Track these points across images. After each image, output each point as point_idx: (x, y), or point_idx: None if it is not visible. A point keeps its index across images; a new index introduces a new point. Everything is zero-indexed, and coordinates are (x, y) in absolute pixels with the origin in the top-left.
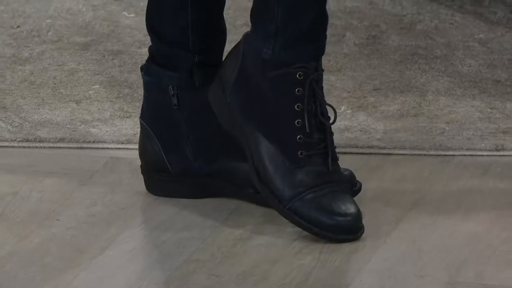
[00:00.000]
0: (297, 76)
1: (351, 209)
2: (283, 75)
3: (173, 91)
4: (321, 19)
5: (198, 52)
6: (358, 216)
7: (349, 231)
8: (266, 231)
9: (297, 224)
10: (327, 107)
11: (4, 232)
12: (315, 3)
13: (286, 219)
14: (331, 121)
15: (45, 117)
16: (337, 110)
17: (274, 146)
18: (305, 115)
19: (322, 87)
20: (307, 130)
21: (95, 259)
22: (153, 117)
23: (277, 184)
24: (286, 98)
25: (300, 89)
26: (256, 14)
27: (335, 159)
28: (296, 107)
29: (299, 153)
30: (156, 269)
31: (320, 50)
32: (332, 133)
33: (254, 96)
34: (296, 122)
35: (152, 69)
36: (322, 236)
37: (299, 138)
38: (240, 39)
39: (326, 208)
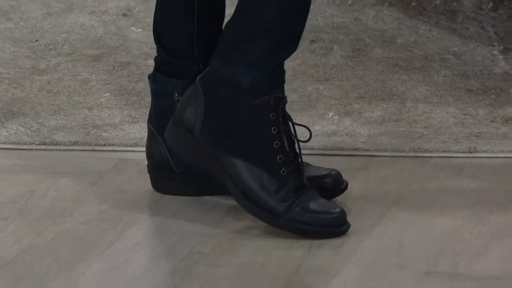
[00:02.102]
0: (271, 102)
1: (335, 207)
2: (262, 102)
3: (178, 97)
4: (295, 50)
5: (202, 61)
6: (343, 211)
7: (340, 224)
8: (261, 226)
9: (298, 229)
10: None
11: (22, 227)
12: (296, 37)
13: (286, 229)
14: (306, 139)
15: (61, 122)
16: (325, 116)
17: (258, 169)
18: (283, 137)
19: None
20: (287, 150)
21: (105, 252)
22: (160, 121)
23: (269, 202)
24: (264, 123)
25: (274, 113)
26: (236, 44)
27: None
28: (272, 130)
29: (281, 171)
30: (161, 261)
31: (284, 77)
32: (300, 149)
33: (228, 126)
34: (274, 143)
35: (158, 77)
36: (322, 233)
37: (279, 158)
38: (196, 81)
39: (315, 210)
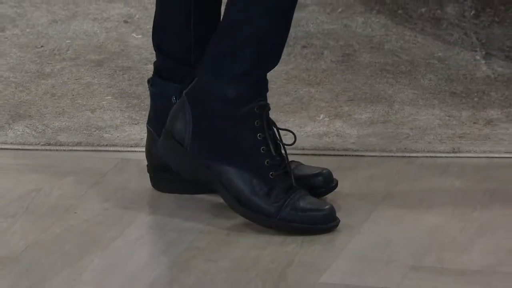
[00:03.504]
0: (255, 110)
1: (325, 204)
2: (246, 111)
3: (176, 100)
4: (277, 64)
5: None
6: (332, 208)
7: (330, 221)
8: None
9: (290, 228)
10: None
11: (29, 224)
12: (279, 51)
13: (279, 228)
14: (291, 143)
15: (65, 124)
16: (316, 118)
17: (247, 174)
18: (269, 142)
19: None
20: (273, 154)
21: (107, 248)
22: (159, 123)
23: (261, 204)
24: (250, 130)
25: (258, 120)
26: (222, 58)
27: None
28: (258, 136)
29: (270, 174)
30: (161, 255)
31: (267, 86)
32: (286, 153)
33: (217, 136)
34: (261, 149)
35: (157, 81)
36: (313, 230)
37: (267, 162)
38: (182, 96)
39: (306, 208)
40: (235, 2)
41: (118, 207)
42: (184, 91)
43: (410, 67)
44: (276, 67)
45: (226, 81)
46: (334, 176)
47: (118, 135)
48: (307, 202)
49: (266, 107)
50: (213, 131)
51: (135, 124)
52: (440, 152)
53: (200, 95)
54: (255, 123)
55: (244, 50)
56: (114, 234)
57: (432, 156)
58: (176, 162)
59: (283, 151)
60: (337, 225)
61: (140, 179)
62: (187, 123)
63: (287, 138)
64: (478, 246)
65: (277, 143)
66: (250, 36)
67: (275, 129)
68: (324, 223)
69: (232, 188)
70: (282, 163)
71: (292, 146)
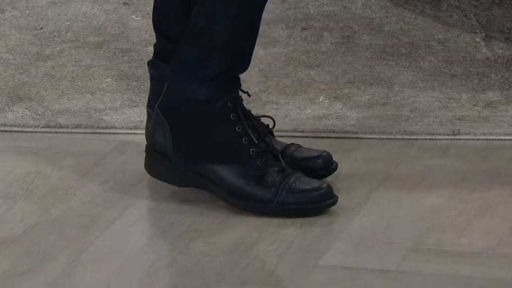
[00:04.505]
0: (229, 103)
1: (321, 183)
2: (219, 108)
3: None
4: (246, 68)
5: None
6: (329, 186)
7: (328, 198)
8: None
9: (289, 211)
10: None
11: (29, 205)
12: (248, 56)
13: (279, 213)
14: (271, 126)
15: (64, 106)
16: (316, 100)
17: (236, 167)
18: (249, 131)
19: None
20: (256, 142)
21: (107, 229)
22: None
23: (257, 193)
24: (227, 125)
25: (234, 114)
26: (192, 62)
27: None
28: (237, 128)
29: (258, 162)
30: (160, 237)
31: (239, 81)
32: (271, 136)
33: (197, 139)
34: (243, 140)
35: (157, 63)
36: (312, 209)
37: (252, 151)
38: (156, 109)
39: (303, 189)
40: (203, 8)
41: (118, 189)
42: (156, 104)
43: (410, 49)
44: (275, 49)
45: (195, 85)
46: (334, 159)
47: (117, 117)
48: (302, 182)
49: (238, 99)
50: (193, 135)
51: (135, 106)
52: (439, 134)
53: (172, 103)
54: (231, 116)
55: (213, 56)
56: (113, 216)
57: (432, 139)
58: (165, 175)
59: (267, 138)
60: (335, 202)
61: (140, 161)
62: (166, 134)
63: (279, 123)
64: (478, 228)
65: (259, 131)
66: (218, 42)
67: (252, 119)
68: (322, 201)
69: (225, 185)
70: (267, 149)
71: (291, 129)
